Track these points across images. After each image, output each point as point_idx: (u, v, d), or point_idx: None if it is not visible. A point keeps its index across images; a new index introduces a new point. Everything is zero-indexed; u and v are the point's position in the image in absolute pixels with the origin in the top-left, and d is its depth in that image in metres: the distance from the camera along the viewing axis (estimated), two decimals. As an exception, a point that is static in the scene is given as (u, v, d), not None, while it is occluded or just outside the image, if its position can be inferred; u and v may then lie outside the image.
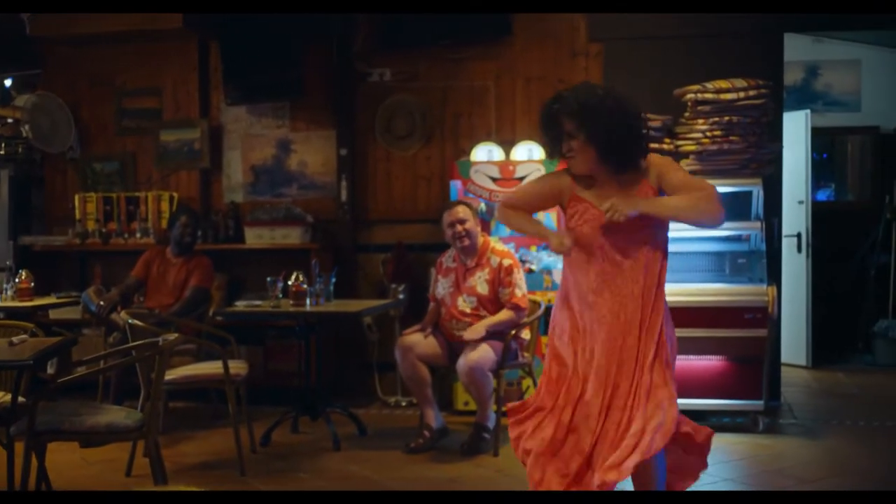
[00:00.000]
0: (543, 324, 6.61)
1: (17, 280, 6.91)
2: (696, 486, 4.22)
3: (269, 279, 6.23)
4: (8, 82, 8.66)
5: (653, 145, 6.30)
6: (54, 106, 7.87)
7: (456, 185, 7.02)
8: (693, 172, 6.38)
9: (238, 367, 5.77)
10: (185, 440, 6.24)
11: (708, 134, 6.38)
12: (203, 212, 7.82)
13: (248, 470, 5.39)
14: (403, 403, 7.25)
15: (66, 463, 5.46)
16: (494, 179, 6.93)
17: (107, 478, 5.34)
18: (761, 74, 6.54)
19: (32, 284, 6.91)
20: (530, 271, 6.73)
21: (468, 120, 7.54)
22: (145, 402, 4.83)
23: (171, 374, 5.60)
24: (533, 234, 4.25)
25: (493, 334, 5.81)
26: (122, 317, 5.79)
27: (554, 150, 3.86)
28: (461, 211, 5.95)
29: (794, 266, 8.50)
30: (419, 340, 5.97)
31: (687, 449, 3.99)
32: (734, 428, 6.22)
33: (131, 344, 5.13)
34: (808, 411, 6.93)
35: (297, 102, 7.77)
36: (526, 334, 6.06)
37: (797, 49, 8.53)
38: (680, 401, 3.82)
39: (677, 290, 5.54)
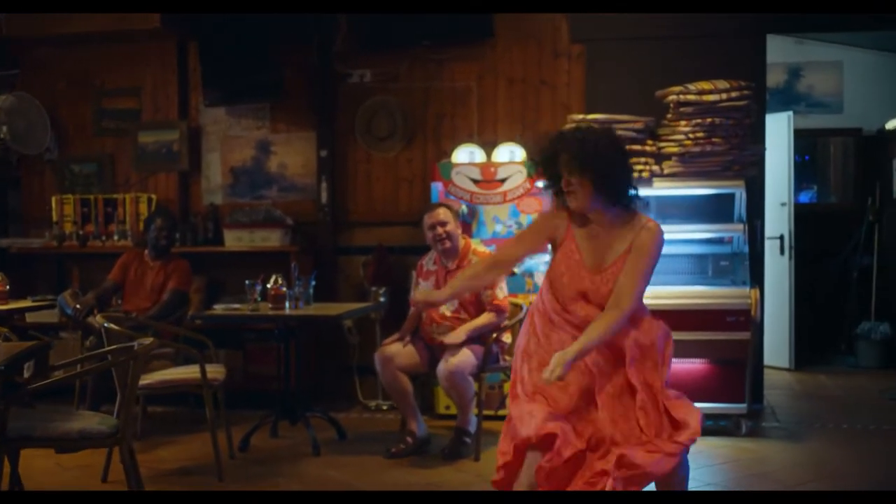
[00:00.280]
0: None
1: (-8, 283, 6.81)
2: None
3: (247, 282, 6.16)
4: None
5: (635, 147, 6.35)
6: (31, 107, 7.76)
7: (437, 186, 6.98)
8: (676, 174, 6.39)
9: (215, 371, 5.71)
10: (163, 445, 6.16)
11: (690, 136, 6.35)
12: (182, 214, 7.75)
13: (226, 475, 5.33)
14: (384, 407, 7.19)
15: (41, 469, 5.39)
16: (476, 181, 6.89)
17: (82, 484, 5.25)
18: (744, 76, 6.52)
19: (8, 287, 6.78)
20: (512, 274, 6.68)
21: (450, 121, 7.49)
22: (121, 407, 4.75)
23: (147, 379, 5.53)
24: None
25: (474, 338, 5.76)
26: (97, 320, 5.72)
27: (553, 184, 3.89)
28: (442, 213, 5.90)
29: (777, 268, 8.49)
30: (399, 351, 5.91)
31: None
32: (717, 431, 6.18)
33: (106, 348, 5.05)
34: (791, 414, 6.92)
35: (276, 103, 7.71)
36: (507, 337, 6.01)
37: (780, 51, 8.53)
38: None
39: (659, 293, 5.51)
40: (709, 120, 6.31)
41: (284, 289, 5.99)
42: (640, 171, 6.32)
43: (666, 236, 3.83)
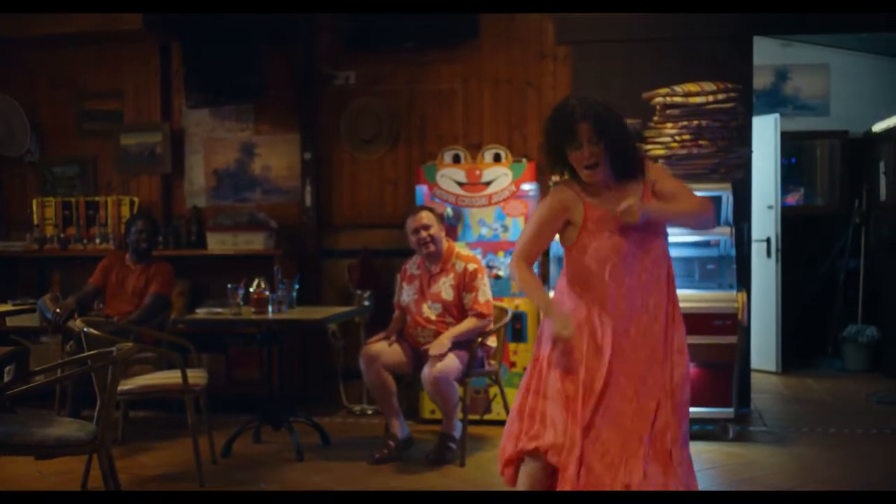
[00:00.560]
0: (511, 331, 6.53)
1: (-29, 287, 6.74)
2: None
3: (229, 286, 6.10)
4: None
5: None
6: (10, 109, 7.68)
7: (422, 189, 6.92)
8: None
9: (197, 376, 5.65)
10: (144, 451, 6.10)
11: (677, 138, 6.31)
12: (165, 217, 7.67)
13: (207, 481, 5.27)
14: (369, 412, 7.13)
15: (21, 475, 5.34)
16: (461, 184, 6.84)
17: (61, 490, 5.17)
18: (730, 78, 6.49)
19: (-12, 291, 6.75)
20: (497, 277, 6.63)
21: (435, 123, 7.44)
22: (100, 412, 4.68)
23: (128, 384, 5.48)
24: (537, 304, 4.24)
25: (458, 343, 5.71)
26: (78, 325, 5.65)
27: (559, 160, 3.80)
28: (425, 217, 5.85)
29: (764, 271, 8.47)
30: (384, 349, 5.86)
31: None
32: (704, 436, 6.15)
33: (86, 353, 4.98)
34: (778, 418, 6.89)
35: (260, 105, 7.64)
36: (493, 342, 5.97)
37: (766, 53, 8.51)
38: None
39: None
40: (695, 122, 6.28)
41: (267, 293, 5.94)
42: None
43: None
